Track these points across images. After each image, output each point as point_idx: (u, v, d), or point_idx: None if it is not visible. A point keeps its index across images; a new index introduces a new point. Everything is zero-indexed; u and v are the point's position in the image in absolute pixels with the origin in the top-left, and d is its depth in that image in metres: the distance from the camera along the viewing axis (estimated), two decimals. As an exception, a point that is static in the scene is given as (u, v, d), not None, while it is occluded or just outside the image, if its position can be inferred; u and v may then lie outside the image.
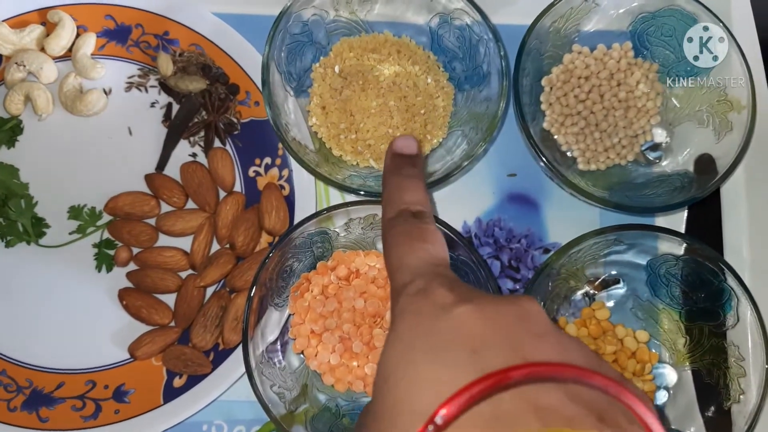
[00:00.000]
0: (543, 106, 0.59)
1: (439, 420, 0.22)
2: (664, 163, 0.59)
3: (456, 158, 0.55)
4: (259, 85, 0.60)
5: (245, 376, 0.55)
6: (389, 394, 0.25)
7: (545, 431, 0.22)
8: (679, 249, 0.54)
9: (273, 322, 0.54)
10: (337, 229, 0.55)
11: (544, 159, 0.53)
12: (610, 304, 0.58)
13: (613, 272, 0.57)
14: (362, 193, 0.53)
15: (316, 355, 0.55)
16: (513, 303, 0.26)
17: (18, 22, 0.60)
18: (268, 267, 0.51)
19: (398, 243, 0.32)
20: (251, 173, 0.59)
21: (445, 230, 0.52)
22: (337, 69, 0.59)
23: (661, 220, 0.60)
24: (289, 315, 0.55)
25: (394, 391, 0.24)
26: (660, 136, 0.60)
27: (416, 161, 0.37)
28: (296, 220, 0.57)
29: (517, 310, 0.26)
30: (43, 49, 0.60)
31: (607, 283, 0.58)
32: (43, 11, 0.61)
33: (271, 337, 0.54)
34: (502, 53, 0.54)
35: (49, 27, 0.61)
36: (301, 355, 0.55)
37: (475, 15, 0.55)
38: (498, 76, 0.54)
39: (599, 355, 0.27)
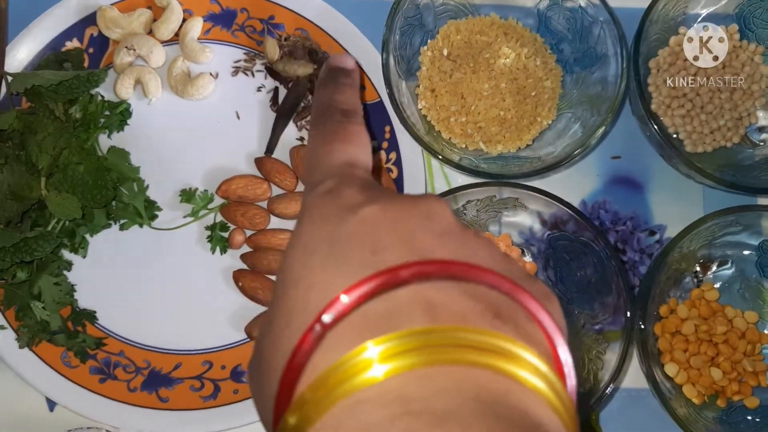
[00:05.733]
0: (650, 88, 0.59)
1: (326, 318, 0.22)
2: (770, 145, 0.59)
3: (570, 140, 0.56)
4: (365, 69, 0.60)
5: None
6: (285, 298, 0.24)
7: (437, 327, 0.22)
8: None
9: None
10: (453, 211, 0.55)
11: (659, 136, 0.54)
12: (717, 285, 0.58)
13: (725, 253, 0.58)
14: (479, 172, 0.54)
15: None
16: (418, 202, 0.25)
17: (126, 6, 0.61)
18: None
19: (319, 141, 0.30)
20: (358, 156, 0.60)
21: (566, 209, 0.52)
22: (445, 52, 0.59)
23: (765, 201, 0.60)
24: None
25: (291, 295, 0.24)
26: (765, 118, 0.60)
27: (352, 74, 0.35)
28: (406, 203, 0.58)
29: (422, 209, 0.25)
30: (150, 33, 0.61)
31: (715, 265, 0.58)
32: (150, -5, 0.61)
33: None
34: (621, 35, 0.54)
35: (156, 11, 0.61)
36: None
37: (592, -3, 0.55)
38: (615, 58, 0.54)
39: (509, 256, 0.26)
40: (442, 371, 0.21)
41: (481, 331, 0.22)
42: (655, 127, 0.54)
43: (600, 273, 0.54)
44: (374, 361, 0.21)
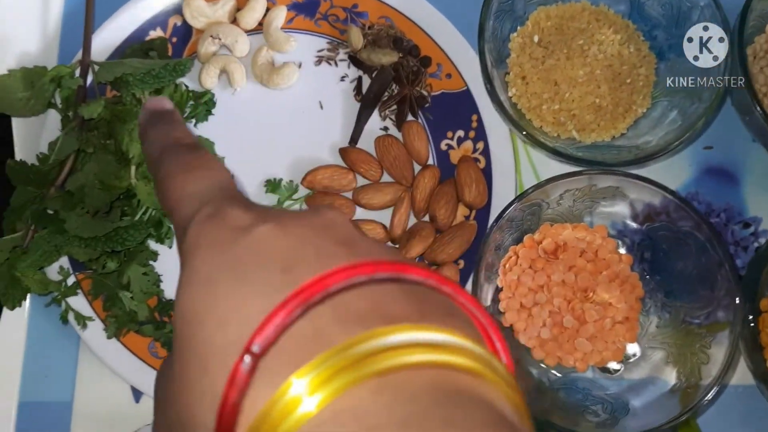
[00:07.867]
0: (748, 76, 0.58)
1: (256, 348, 0.19)
2: None
3: (668, 129, 0.54)
4: (451, 57, 0.59)
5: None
6: (194, 338, 0.21)
7: (368, 334, 0.20)
8: None
9: (485, 294, 0.53)
10: (548, 201, 0.54)
11: (766, 123, 0.52)
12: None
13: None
14: (576, 158, 0.53)
15: (525, 329, 0.54)
16: (314, 215, 0.24)
17: (209, -4, 0.60)
18: (490, 244, 0.51)
19: (174, 175, 0.27)
20: (443, 146, 0.59)
21: (671, 197, 0.51)
22: (536, 39, 0.58)
23: None
24: (498, 288, 0.55)
25: (200, 334, 0.21)
26: None
27: (175, 114, 0.33)
28: (494, 194, 0.57)
29: (320, 220, 0.23)
30: (235, 22, 0.60)
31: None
32: (233, -16, 0.60)
33: (487, 310, 0.53)
34: (724, 19, 0.52)
35: (239, 0, 0.60)
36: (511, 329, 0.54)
37: (691, -19, 0.53)
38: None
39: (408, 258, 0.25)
40: (390, 380, 0.19)
41: (416, 327, 0.20)
42: (762, 113, 0.52)
43: (702, 263, 0.52)
44: (303, 395, 0.19)
